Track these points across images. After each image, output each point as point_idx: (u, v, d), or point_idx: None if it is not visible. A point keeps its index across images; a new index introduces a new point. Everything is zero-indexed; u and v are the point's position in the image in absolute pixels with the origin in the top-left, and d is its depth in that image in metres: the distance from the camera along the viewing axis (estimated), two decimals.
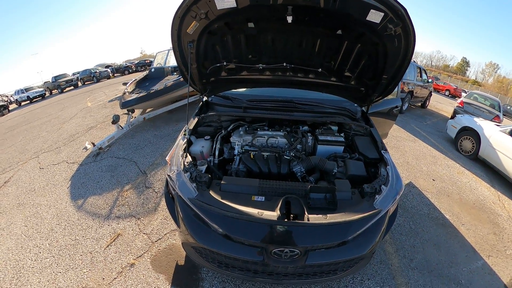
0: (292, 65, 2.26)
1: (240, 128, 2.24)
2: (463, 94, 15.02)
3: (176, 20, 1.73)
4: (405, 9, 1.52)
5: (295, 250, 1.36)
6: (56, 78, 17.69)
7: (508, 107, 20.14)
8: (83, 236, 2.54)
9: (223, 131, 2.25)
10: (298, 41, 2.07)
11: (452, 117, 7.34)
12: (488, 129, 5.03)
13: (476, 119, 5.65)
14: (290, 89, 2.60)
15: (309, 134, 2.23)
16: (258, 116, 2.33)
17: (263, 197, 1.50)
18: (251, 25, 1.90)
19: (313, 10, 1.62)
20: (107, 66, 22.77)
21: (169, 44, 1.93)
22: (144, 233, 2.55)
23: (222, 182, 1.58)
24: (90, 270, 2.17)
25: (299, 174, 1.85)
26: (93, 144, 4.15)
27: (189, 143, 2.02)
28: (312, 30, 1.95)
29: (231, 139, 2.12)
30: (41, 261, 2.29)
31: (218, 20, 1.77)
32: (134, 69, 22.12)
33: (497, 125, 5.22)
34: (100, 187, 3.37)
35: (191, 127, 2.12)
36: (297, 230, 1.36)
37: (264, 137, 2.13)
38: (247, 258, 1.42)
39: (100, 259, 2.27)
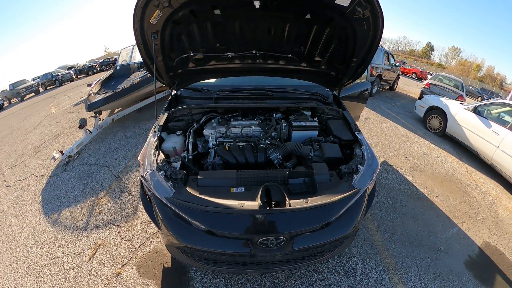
0: (262, 52, 2.21)
1: (213, 120, 2.18)
2: (429, 76, 15.98)
3: (138, 10, 1.61)
4: None
5: (280, 237, 1.35)
6: (14, 85, 15.87)
7: (470, 87, 21.91)
8: (63, 253, 2.36)
9: (195, 124, 2.16)
10: (267, 27, 2.02)
11: (420, 98, 7.76)
12: (453, 107, 5.39)
13: (442, 98, 6.01)
14: (261, 77, 2.57)
15: (283, 120, 2.24)
16: (231, 106, 2.27)
17: (242, 188, 1.47)
18: (217, 12, 1.82)
19: None
20: (70, 68, 21.09)
21: (134, 40, 1.80)
22: (126, 240, 2.43)
23: (198, 177, 1.52)
24: (75, 287, 2.03)
25: (276, 161, 1.84)
26: (61, 153, 3.84)
27: (161, 140, 1.92)
28: (281, 15, 1.91)
29: (204, 132, 2.06)
30: (21, 287, 2.09)
31: (182, 8, 1.67)
32: (98, 68, 20.83)
33: (462, 104, 5.59)
34: (73, 197, 3.14)
35: (161, 123, 2.01)
36: (280, 217, 1.35)
37: (238, 127, 2.09)
38: (234, 252, 1.40)
39: (84, 274, 2.13)
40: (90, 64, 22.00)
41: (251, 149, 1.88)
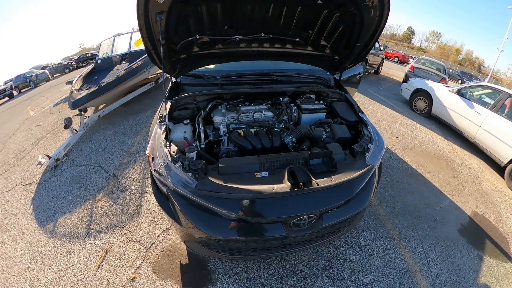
0: (271, 36, 2.16)
1: (220, 107, 2.13)
2: (411, 60, 16.41)
3: None
4: None
5: (312, 215, 1.39)
6: None
7: (450, 71, 22.88)
8: (67, 264, 2.20)
9: (202, 112, 2.10)
10: (278, 10, 1.97)
11: (404, 81, 8.00)
12: (438, 90, 5.63)
13: (427, 81, 6.23)
14: (262, 62, 2.55)
15: (292, 104, 2.25)
16: (240, 91, 2.23)
17: (267, 172, 1.48)
18: None
19: None
20: (44, 67, 19.96)
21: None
22: (134, 242, 2.34)
23: (219, 165, 1.48)
24: None
25: (290, 144, 1.87)
26: (48, 157, 3.59)
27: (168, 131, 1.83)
28: None
29: (214, 119, 2.00)
30: None
31: None
32: (75, 65, 19.84)
33: (446, 86, 5.83)
34: (68, 203, 2.95)
35: (165, 113, 1.89)
36: (310, 196, 1.39)
37: (249, 112, 2.08)
38: (269, 236, 1.40)
39: (95, 284, 2.00)
40: (65, 62, 20.85)
41: (265, 134, 1.88)
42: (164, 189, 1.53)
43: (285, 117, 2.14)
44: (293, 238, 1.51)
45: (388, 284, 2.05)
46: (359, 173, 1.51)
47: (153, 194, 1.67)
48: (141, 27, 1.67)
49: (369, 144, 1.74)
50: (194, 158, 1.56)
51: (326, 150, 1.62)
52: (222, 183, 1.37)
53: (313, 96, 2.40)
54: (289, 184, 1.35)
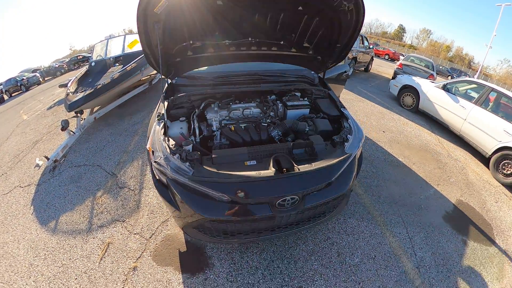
0: (257, 40, 2.34)
1: (213, 105, 2.30)
2: (401, 58, 16.81)
3: None
4: None
5: (295, 196, 1.57)
6: None
7: (440, 67, 23.39)
8: (70, 259, 2.28)
9: (196, 110, 2.26)
10: (264, 17, 2.15)
11: (393, 78, 8.23)
12: (425, 85, 5.85)
13: (414, 78, 6.46)
14: (252, 63, 2.73)
15: (278, 101, 2.44)
16: (231, 91, 2.40)
17: (255, 161, 1.66)
18: (219, 2, 1.89)
19: None
20: (34, 71, 19.53)
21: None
22: (135, 234, 2.45)
23: (213, 156, 1.65)
24: None
25: (277, 137, 2.05)
26: (47, 158, 3.64)
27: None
28: (277, 6, 2.06)
29: (208, 116, 2.17)
30: None
31: None
32: (66, 68, 19.46)
33: (432, 82, 6.07)
34: (69, 201, 3.03)
35: (163, 111, 2.07)
36: (292, 180, 1.58)
37: (239, 110, 2.26)
38: (257, 216, 1.57)
39: (98, 275, 2.10)
40: (57, 64, 20.42)
41: (254, 128, 2.06)
42: (164, 179, 1.68)
43: (271, 113, 2.33)
44: (280, 219, 1.67)
45: (374, 266, 2.20)
46: (337, 160, 1.69)
47: (152, 188, 1.81)
48: (140, 34, 1.85)
49: (348, 135, 1.93)
50: (191, 150, 1.71)
51: (308, 141, 1.82)
52: (215, 170, 1.54)
53: (298, 94, 2.58)
54: (273, 169, 1.53)
